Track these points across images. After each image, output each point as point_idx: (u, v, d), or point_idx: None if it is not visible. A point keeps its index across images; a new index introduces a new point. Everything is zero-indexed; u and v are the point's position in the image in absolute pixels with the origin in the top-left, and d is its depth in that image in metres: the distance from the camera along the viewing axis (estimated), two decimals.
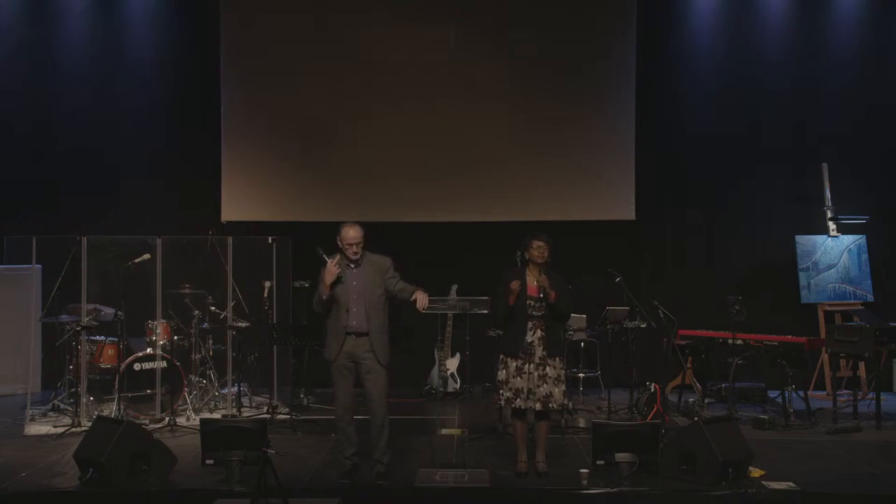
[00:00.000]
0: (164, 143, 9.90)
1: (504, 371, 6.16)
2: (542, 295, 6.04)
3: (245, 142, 9.71)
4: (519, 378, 6.08)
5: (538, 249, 6.09)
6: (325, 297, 5.92)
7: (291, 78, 9.68)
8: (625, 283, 7.45)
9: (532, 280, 6.11)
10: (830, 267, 9.29)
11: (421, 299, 5.91)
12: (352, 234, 5.94)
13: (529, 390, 6.06)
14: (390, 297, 6.04)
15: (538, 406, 6.05)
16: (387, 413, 6.04)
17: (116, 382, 7.58)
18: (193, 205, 9.72)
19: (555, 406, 6.09)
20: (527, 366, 6.07)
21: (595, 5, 9.66)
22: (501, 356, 6.22)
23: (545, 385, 6.05)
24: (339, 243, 5.99)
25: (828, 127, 9.68)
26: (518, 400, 6.07)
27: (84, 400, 7.76)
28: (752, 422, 7.61)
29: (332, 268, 5.86)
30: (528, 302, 6.07)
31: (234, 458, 5.88)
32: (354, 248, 5.92)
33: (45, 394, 8.79)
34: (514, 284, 6.00)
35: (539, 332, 6.08)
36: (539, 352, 6.07)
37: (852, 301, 9.23)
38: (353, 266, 5.95)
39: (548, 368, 6.07)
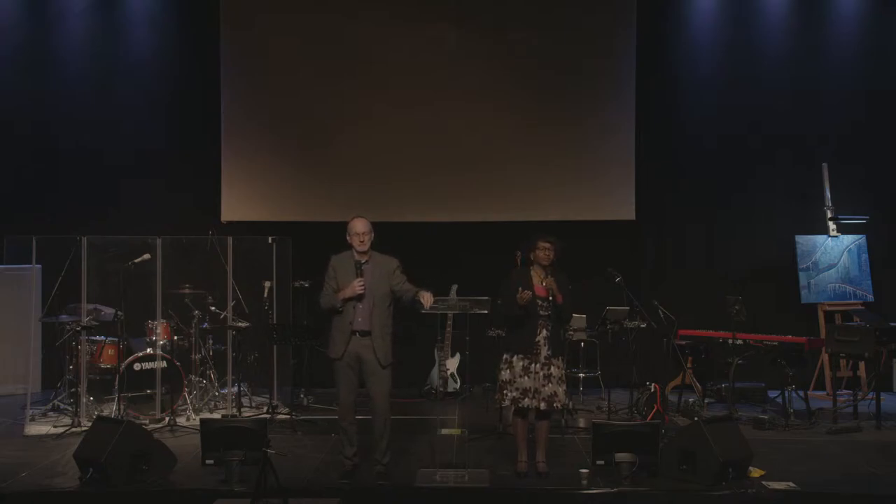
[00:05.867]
0: (164, 143, 9.90)
1: (508, 371, 6.14)
2: (551, 297, 6.05)
3: (245, 142, 9.71)
4: (526, 378, 6.07)
5: (544, 251, 6.09)
6: (339, 307, 5.96)
7: (291, 78, 9.67)
8: (625, 283, 7.45)
9: (538, 280, 6.12)
10: (830, 267, 9.29)
11: (427, 298, 5.92)
12: (358, 226, 5.99)
13: (535, 390, 6.06)
14: (396, 298, 6.05)
15: (543, 405, 6.05)
16: (389, 415, 6.05)
17: (116, 382, 7.58)
18: (193, 205, 9.72)
19: (559, 405, 6.11)
20: (533, 365, 6.07)
21: (595, 5, 9.65)
22: (505, 356, 6.20)
23: (550, 385, 6.06)
24: (347, 238, 6.03)
25: (828, 127, 9.69)
26: (525, 399, 6.07)
27: (84, 400, 7.76)
28: (752, 422, 7.61)
29: (356, 287, 5.89)
30: (537, 301, 6.07)
31: (234, 458, 5.88)
32: (360, 238, 5.96)
33: (45, 394, 8.79)
34: (524, 295, 5.96)
35: (545, 332, 6.09)
36: (544, 351, 6.08)
37: (852, 301, 9.23)
38: (362, 264, 5.97)
39: (552, 368, 6.08)
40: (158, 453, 6.13)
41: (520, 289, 5.97)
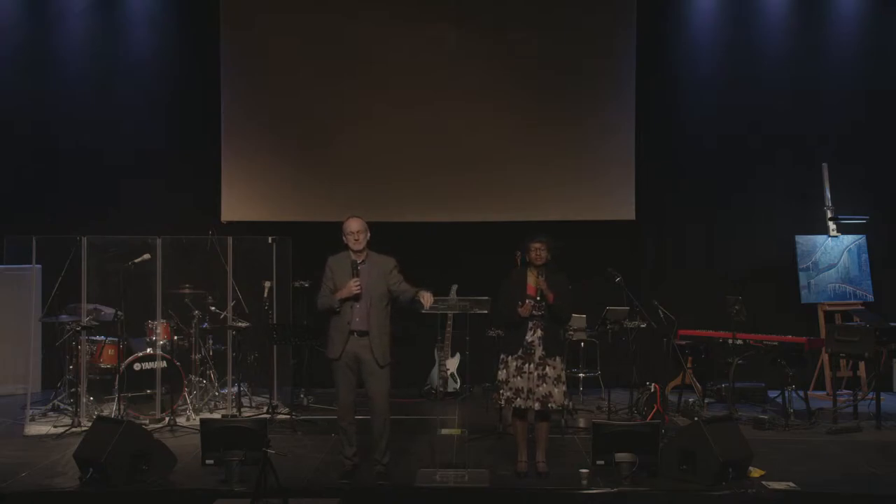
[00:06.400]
0: (164, 143, 9.90)
1: (504, 371, 6.17)
2: (538, 298, 6.06)
3: (245, 142, 9.71)
4: (519, 378, 6.09)
5: (535, 251, 6.10)
6: (336, 308, 5.96)
7: (291, 78, 9.67)
8: (625, 283, 7.45)
9: (532, 280, 6.12)
10: (830, 267, 9.29)
11: (427, 298, 5.92)
12: (352, 225, 6.00)
13: (529, 390, 6.06)
14: (393, 298, 6.05)
15: (537, 406, 6.05)
16: (388, 415, 6.05)
17: (116, 382, 7.58)
18: (193, 205, 9.72)
19: (554, 406, 6.10)
20: (527, 365, 6.08)
21: (595, 5, 9.65)
22: (502, 356, 6.22)
23: (544, 385, 6.05)
24: (343, 239, 6.03)
25: (828, 127, 9.69)
26: (518, 399, 6.08)
27: (84, 400, 7.76)
28: (752, 422, 7.61)
29: (353, 286, 5.89)
30: (528, 302, 6.07)
31: (234, 458, 5.88)
32: (355, 237, 5.96)
33: (45, 394, 8.79)
34: (526, 308, 6.01)
35: (539, 332, 6.09)
36: (539, 351, 6.08)
37: (852, 301, 9.23)
38: (358, 265, 5.97)
39: (547, 368, 6.07)
40: (158, 453, 6.13)
41: (520, 303, 6.01)
